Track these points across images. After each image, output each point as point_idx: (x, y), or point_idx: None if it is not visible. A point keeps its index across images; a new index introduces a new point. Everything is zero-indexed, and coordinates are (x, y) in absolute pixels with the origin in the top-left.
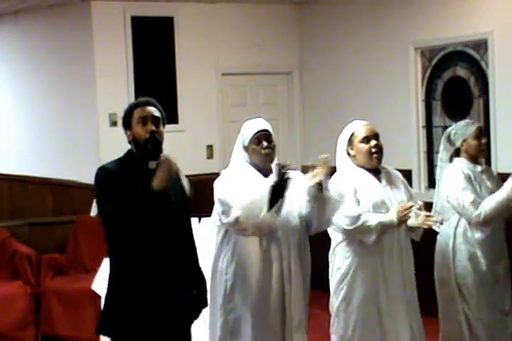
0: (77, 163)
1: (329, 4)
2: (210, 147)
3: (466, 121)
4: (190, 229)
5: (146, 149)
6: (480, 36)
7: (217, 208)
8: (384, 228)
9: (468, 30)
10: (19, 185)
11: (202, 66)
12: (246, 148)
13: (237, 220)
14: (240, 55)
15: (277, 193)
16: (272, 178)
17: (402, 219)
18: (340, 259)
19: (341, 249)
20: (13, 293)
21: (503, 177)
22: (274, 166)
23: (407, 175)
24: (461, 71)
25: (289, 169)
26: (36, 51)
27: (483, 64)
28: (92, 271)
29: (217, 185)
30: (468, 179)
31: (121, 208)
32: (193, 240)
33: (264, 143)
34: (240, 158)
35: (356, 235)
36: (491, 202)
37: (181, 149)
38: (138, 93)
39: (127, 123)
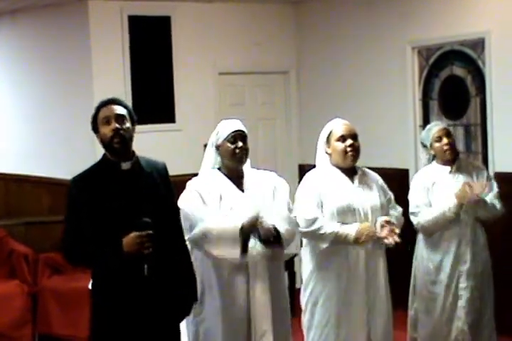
0: (73, 162)
1: (326, 3)
2: (206, 146)
3: (433, 123)
4: (178, 224)
5: (112, 148)
6: (477, 35)
7: (182, 222)
8: (338, 240)
9: (465, 29)
10: (16, 184)
11: (199, 65)
12: (218, 147)
13: (194, 241)
14: (237, 55)
15: (247, 235)
16: (249, 194)
17: (359, 241)
18: (307, 259)
19: (306, 250)
20: (10, 292)
21: (500, 177)
22: (252, 214)
23: (404, 174)
24: (458, 70)
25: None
26: (33, 50)
27: (480, 63)
28: (88, 270)
29: (183, 199)
30: (424, 189)
31: (83, 250)
32: (183, 236)
33: (239, 143)
34: (209, 161)
35: (309, 239)
36: (429, 215)
37: (178, 148)
38: (135, 92)
39: (95, 127)
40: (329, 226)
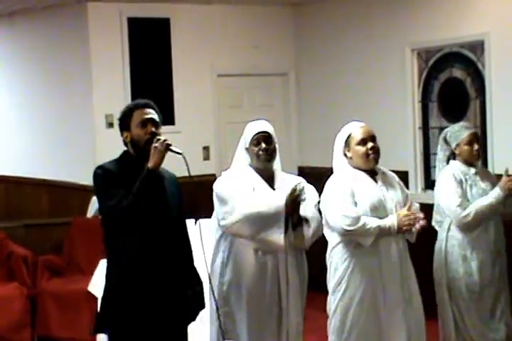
0: (73, 164)
1: (325, 6)
2: (206, 148)
3: (462, 124)
4: (186, 230)
5: (146, 150)
6: (476, 37)
7: (218, 208)
8: (382, 232)
9: (464, 32)
10: (15, 186)
11: (198, 67)
12: (247, 150)
13: (233, 225)
14: (236, 57)
15: (288, 214)
16: (281, 193)
17: (403, 227)
18: (337, 261)
19: (338, 250)
20: (9, 295)
21: (499, 179)
22: (291, 186)
23: (404, 176)
24: (457, 72)
25: (304, 192)
26: (32, 52)
27: (479, 65)
28: (88, 272)
29: (220, 184)
30: (459, 182)
31: (121, 198)
32: (189, 241)
33: (263, 145)
34: (241, 159)
35: (354, 237)
36: (478, 205)
37: None
38: (134, 94)
39: (125, 125)
40: (372, 221)
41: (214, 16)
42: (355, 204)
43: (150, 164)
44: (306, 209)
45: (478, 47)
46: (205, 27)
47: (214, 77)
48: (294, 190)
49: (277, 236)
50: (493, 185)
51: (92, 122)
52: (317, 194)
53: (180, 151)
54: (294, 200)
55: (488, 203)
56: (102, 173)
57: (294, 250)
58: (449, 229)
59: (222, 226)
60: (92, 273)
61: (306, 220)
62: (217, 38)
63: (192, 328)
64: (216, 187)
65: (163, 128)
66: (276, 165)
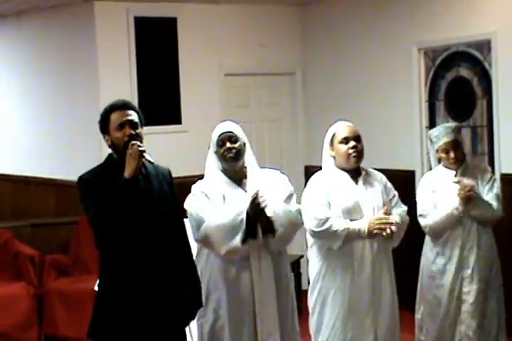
0: (79, 163)
1: (332, 5)
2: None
3: (442, 129)
4: (183, 229)
5: (125, 153)
6: (483, 37)
7: (189, 223)
8: (351, 235)
9: (471, 31)
10: (22, 185)
11: (205, 66)
12: (216, 153)
13: (201, 240)
14: (243, 56)
15: (252, 222)
16: (247, 198)
17: (373, 231)
18: (313, 262)
19: (313, 251)
20: (16, 294)
21: (507, 179)
22: (251, 195)
23: (410, 175)
24: (464, 71)
25: (262, 198)
26: (39, 51)
27: (486, 64)
28: (95, 271)
29: (188, 201)
30: (430, 190)
31: (102, 208)
32: (186, 239)
33: (227, 145)
34: (212, 165)
35: (322, 238)
36: (437, 215)
37: (184, 150)
38: (141, 93)
39: (105, 128)
40: (340, 223)
41: (221, 16)
42: (329, 205)
43: (126, 173)
44: (274, 207)
45: (485, 46)
46: (212, 26)
47: (221, 76)
48: (254, 198)
49: (237, 243)
50: (482, 180)
51: None
52: (290, 186)
53: (152, 160)
54: (256, 208)
55: (448, 213)
56: (82, 184)
57: (270, 255)
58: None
59: (195, 239)
60: (98, 273)
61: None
62: (224, 37)
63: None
64: (186, 204)
65: (170, 128)
66: (248, 163)
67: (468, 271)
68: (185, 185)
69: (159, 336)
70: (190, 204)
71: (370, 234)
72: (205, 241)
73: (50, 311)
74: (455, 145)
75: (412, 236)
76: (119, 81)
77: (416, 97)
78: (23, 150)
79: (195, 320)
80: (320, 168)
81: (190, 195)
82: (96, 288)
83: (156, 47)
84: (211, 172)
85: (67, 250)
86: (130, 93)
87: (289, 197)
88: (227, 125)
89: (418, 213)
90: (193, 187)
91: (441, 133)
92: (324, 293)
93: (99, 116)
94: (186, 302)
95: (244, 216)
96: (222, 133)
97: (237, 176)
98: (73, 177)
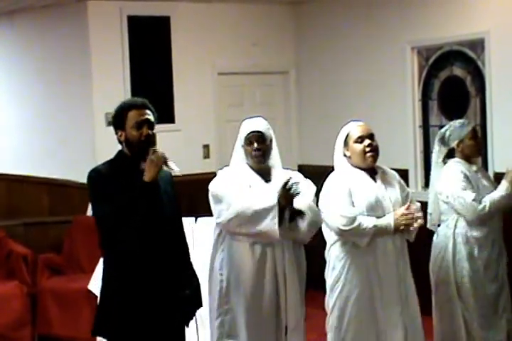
0: (73, 162)
1: (325, 4)
2: (206, 147)
3: (460, 121)
4: (182, 230)
5: (141, 151)
6: (477, 35)
7: (213, 206)
8: (379, 232)
9: (464, 30)
10: (15, 184)
11: (198, 65)
12: (243, 147)
13: (229, 222)
14: (237, 55)
15: (282, 207)
16: (275, 187)
17: (400, 227)
18: (334, 259)
19: (335, 249)
20: (9, 293)
21: (499, 177)
22: (283, 180)
23: (404, 174)
24: (457, 70)
25: (296, 185)
26: (32, 51)
27: (479, 63)
28: (89, 270)
29: (215, 183)
30: (467, 178)
31: (115, 207)
32: (185, 240)
33: (255, 145)
34: (238, 157)
35: (350, 236)
36: (491, 198)
37: (177, 149)
38: (134, 93)
39: (120, 123)
40: (368, 221)
41: (214, 15)
42: (353, 203)
43: (146, 178)
44: (301, 202)
45: (478, 45)
46: (205, 25)
47: (214, 75)
48: (285, 183)
49: (271, 227)
50: (492, 184)
51: (92, 121)
52: (314, 187)
53: (178, 169)
54: (287, 193)
55: (500, 195)
56: (95, 176)
57: (292, 245)
58: (455, 226)
59: (218, 223)
60: (92, 272)
61: (302, 213)
62: (218, 36)
63: (189, 329)
64: (211, 186)
65: (163, 127)
66: (274, 162)
67: (500, 266)
68: (178, 184)
69: (160, 334)
70: (217, 185)
71: (397, 230)
72: (234, 221)
73: (43, 310)
74: (478, 131)
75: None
76: (113, 80)
77: (409, 96)
78: (17, 149)
79: (215, 307)
80: (314, 167)
81: (217, 178)
82: (89, 287)
83: (150, 47)
84: (237, 163)
85: (61, 249)
86: (123, 92)
87: (314, 202)
88: (257, 123)
89: (471, 198)
90: (220, 172)
91: (463, 124)
92: (347, 290)
93: (114, 111)
94: (188, 301)
95: (275, 203)
96: (251, 132)
97: (262, 172)
98: (67, 176)
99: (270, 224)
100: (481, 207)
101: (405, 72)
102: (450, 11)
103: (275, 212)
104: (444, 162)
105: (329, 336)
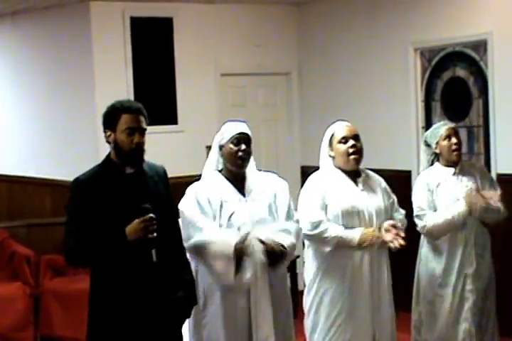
0: (76, 163)
1: (328, 5)
2: (209, 147)
3: (439, 122)
4: (177, 226)
5: (129, 158)
6: (479, 37)
7: (181, 223)
8: (341, 244)
9: (467, 31)
10: (18, 185)
11: (201, 67)
12: (221, 148)
13: (189, 252)
14: (239, 56)
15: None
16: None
17: (363, 245)
18: (309, 262)
19: (310, 252)
20: (12, 294)
21: (502, 178)
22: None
23: (407, 175)
24: (460, 71)
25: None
26: (35, 52)
27: (482, 64)
28: (92, 270)
29: (185, 201)
30: (429, 191)
31: (85, 236)
32: (181, 239)
33: (243, 146)
34: (212, 162)
35: (313, 242)
36: (437, 219)
37: (180, 150)
38: (137, 94)
39: (111, 124)
40: (333, 229)
41: (217, 16)
42: (326, 207)
43: (131, 237)
44: (284, 240)
45: (481, 46)
46: (208, 26)
47: (217, 76)
48: (268, 247)
49: (227, 275)
50: (482, 179)
51: (95, 121)
52: (288, 190)
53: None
54: (245, 246)
55: (448, 218)
56: (75, 187)
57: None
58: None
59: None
60: None
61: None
62: (220, 37)
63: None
64: (181, 206)
65: (166, 128)
66: (250, 166)
67: (471, 269)
68: (181, 185)
69: (155, 336)
70: (185, 208)
71: (360, 246)
72: (196, 252)
73: (46, 311)
74: (456, 132)
75: (408, 236)
76: (115, 81)
77: (412, 97)
78: (19, 150)
79: (192, 321)
80: (317, 168)
81: (185, 197)
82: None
83: (152, 48)
84: (210, 172)
85: (63, 250)
86: (126, 93)
87: (289, 211)
88: (244, 126)
89: (415, 213)
90: (189, 189)
91: (440, 125)
92: (321, 294)
93: (107, 110)
94: (181, 302)
95: (232, 250)
96: (240, 133)
97: (236, 177)
98: (69, 177)
99: (225, 269)
100: (420, 225)
101: (408, 73)
102: (453, 12)
103: (232, 262)
104: (432, 164)
105: (307, 336)
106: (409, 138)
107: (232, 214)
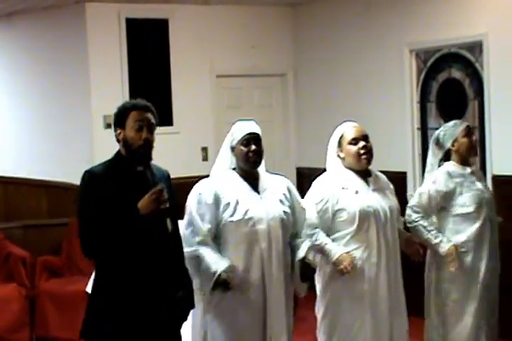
0: (71, 165)
1: (323, 6)
2: (204, 149)
3: (453, 121)
4: (177, 230)
5: (137, 154)
6: (475, 38)
7: (184, 226)
8: (322, 251)
9: (463, 32)
10: (14, 187)
11: (196, 68)
12: (233, 149)
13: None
14: (235, 57)
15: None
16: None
17: (338, 267)
18: (321, 262)
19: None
20: (8, 295)
21: (498, 180)
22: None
23: (402, 177)
24: (456, 73)
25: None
26: (30, 53)
27: (478, 66)
28: (87, 273)
29: (193, 199)
30: (436, 187)
31: (103, 231)
32: (180, 241)
33: (253, 147)
34: (225, 162)
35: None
36: (424, 232)
37: (176, 151)
38: (133, 95)
39: (120, 122)
40: (322, 236)
41: (212, 17)
42: (335, 212)
43: (144, 211)
44: (298, 226)
45: (476, 47)
46: (203, 27)
47: (213, 77)
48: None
49: (204, 286)
50: (486, 187)
51: (90, 123)
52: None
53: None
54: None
55: (431, 238)
56: (87, 180)
57: (278, 256)
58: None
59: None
60: (90, 274)
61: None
62: (216, 38)
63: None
64: (189, 200)
65: (161, 129)
66: (261, 167)
67: (497, 265)
68: (176, 186)
69: (154, 337)
70: (192, 207)
71: (334, 265)
72: (191, 258)
73: (41, 313)
74: (472, 129)
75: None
76: (111, 82)
77: (408, 98)
78: (15, 151)
79: (199, 315)
80: (312, 170)
81: (194, 194)
82: (87, 290)
83: (148, 49)
84: (223, 171)
85: (59, 251)
86: (121, 94)
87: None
88: (254, 126)
89: (410, 204)
90: (195, 186)
91: (455, 124)
92: (338, 296)
93: (117, 109)
94: (181, 303)
95: (214, 275)
96: (250, 133)
97: (250, 176)
98: (65, 178)
99: (204, 284)
100: (412, 217)
101: (403, 74)
102: (448, 13)
103: (213, 279)
104: (440, 165)
105: (320, 340)
106: (405, 139)
107: (247, 211)
